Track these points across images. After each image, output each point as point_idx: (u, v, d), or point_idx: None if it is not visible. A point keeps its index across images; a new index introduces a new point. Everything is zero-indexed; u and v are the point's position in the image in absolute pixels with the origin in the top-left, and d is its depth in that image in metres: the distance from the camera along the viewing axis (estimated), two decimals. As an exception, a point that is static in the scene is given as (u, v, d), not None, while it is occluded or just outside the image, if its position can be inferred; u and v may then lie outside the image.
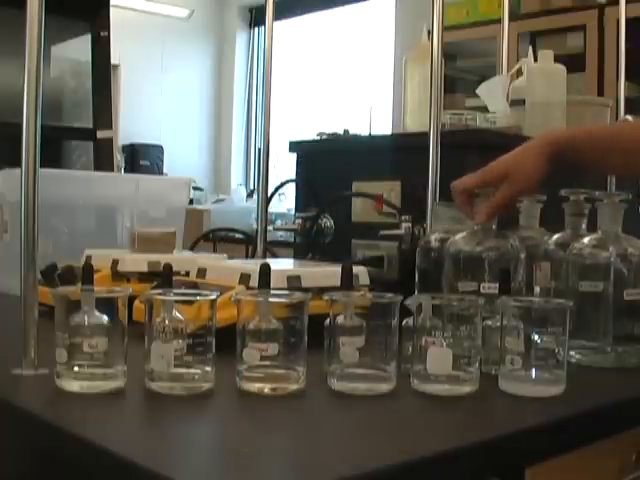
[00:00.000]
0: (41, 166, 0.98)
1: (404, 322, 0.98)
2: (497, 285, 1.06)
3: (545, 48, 1.93)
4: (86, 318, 0.90)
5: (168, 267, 1.10)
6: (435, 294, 1.01)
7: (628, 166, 1.18)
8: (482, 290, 1.08)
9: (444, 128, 1.50)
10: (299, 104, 5.79)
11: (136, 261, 1.38)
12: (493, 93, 1.86)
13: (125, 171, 5.23)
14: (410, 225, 1.47)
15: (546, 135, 1.16)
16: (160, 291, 0.96)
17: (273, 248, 1.98)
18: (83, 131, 3.75)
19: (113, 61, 3.90)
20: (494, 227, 1.14)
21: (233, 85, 6.28)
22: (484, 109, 1.83)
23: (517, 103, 1.80)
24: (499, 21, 2.29)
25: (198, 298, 0.95)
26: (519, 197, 1.19)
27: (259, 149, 1.81)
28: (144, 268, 1.36)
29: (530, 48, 1.92)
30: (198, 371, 0.90)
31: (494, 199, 1.13)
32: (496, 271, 1.08)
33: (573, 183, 1.24)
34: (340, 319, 0.93)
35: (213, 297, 0.93)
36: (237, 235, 2.97)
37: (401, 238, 1.47)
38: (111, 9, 3.77)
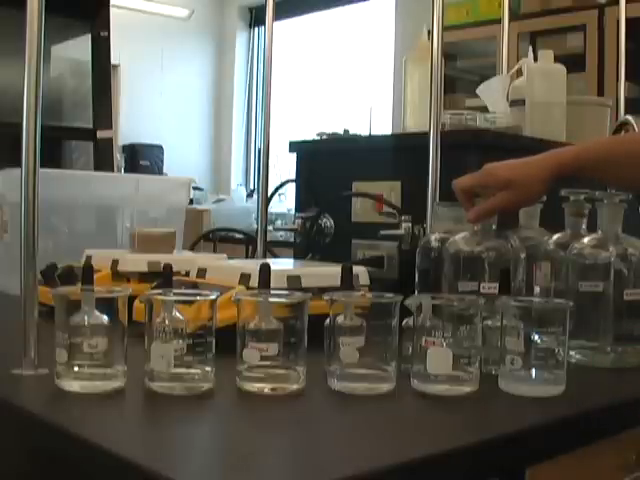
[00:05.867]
0: (41, 166, 0.98)
1: (404, 322, 0.98)
2: (497, 285, 1.06)
3: (545, 48, 1.93)
4: (86, 318, 0.90)
5: (168, 267, 1.10)
6: (435, 294, 1.01)
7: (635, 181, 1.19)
8: (482, 290, 1.08)
9: (444, 128, 1.50)
10: (299, 104, 5.79)
11: (136, 261, 1.38)
12: (493, 93, 1.86)
13: (125, 171, 5.23)
14: (410, 225, 1.47)
15: (555, 154, 1.16)
16: (160, 291, 0.96)
17: (273, 248, 1.98)
18: (83, 131, 3.75)
19: (113, 61, 3.90)
20: (494, 227, 1.15)
21: (233, 85, 6.28)
22: (484, 109, 1.83)
23: (517, 103, 1.80)
24: (499, 21, 2.29)
25: (198, 298, 0.95)
26: (516, 208, 1.20)
27: (259, 149, 1.81)
28: (144, 268, 1.36)
29: (530, 48, 1.91)
30: (198, 371, 0.90)
31: (490, 204, 1.13)
32: (496, 271, 1.08)
33: (573, 183, 1.24)
34: (340, 319, 0.93)
35: (213, 297, 0.93)
36: (237, 235, 2.98)
37: (401, 238, 1.47)
38: (111, 9, 3.77)
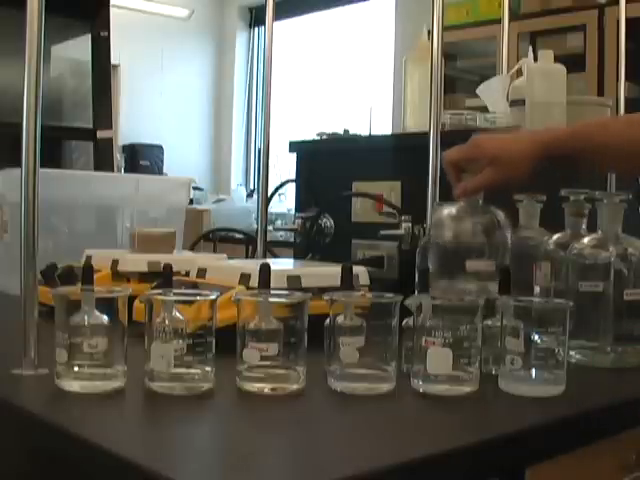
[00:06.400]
0: (41, 166, 0.98)
1: (404, 322, 0.98)
2: (486, 263, 1.05)
3: (545, 48, 1.92)
4: (86, 318, 0.90)
5: (168, 267, 1.10)
6: (435, 294, 1.01)
7: (627, 167, 1.17)
8: (468, 269, 1.07)
9: (444, 128, 1.50)
10: (299, 104, 5.79)
11: (136, 261, 1.38)
12: (493, 93, 1.86)
13: (125, 171, 5.23)
14: (410, 225, 1.47)
15: (549, 130, 1.14)
16: (160, 291, 0.96)
17: (273, 248, 1.98)
18: (83, 131, 3.75)
19: (113, 61, 3.90)
20: (480, 202, 1.14)
21: (233, 85, 6.28)
22: (484, 109, 1.83)
23: (517, 103, 1.80)
24: (499, 21, 2.29)
25: (198, 298, 0.95)
26: (503, 184, 1.17)
27: (259, 149, 1.81)
28: (144, 268, 1.36)
29: (530, 48, 1.91)
30: (198, 371, 0.90)
31: (477, 181, 1.11)
32: (482, 247, 1.07)
33: (573, 183, 1.24)
34: (340, 319, 0.93)
35: (213, 297, 0.93)
36: (237, 235, 2.98)
37: (401, 238, 1.47)
38: (111, 9, 3.77)
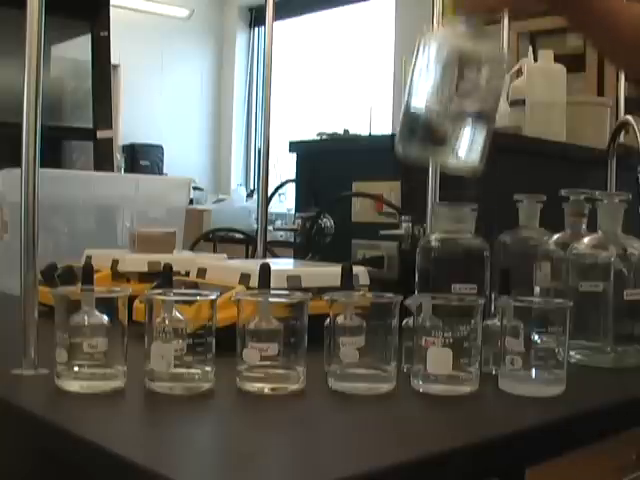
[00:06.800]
0: (41, 166, 0.98)
1: (404, 322, 0.98)
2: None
3: (545, 48, 1.93)
4: (86, 318, 0.90)
5: (168, 267, 1.10)
6: (435, 294, 1.01)
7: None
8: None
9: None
10: (299, 104, 5.79)
11: (136, 261, 1.38)
12: (493, 93, 1.86)
13: (125, 171, 5.23)
14: (410, 225, 1.47)
15: None
16: (160, 291, 0.96)
17: (273, 248, 1.98)
18: (83, 131, 3.75)
19: (113, 61, 3.91)
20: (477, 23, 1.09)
21: (233, 85, 6.29)
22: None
23: (517, 103, 1.80)
24: (499, 21, 2.29)
25: (198, 298, 0.95)
26: (507, 7, 1.11)
27: (259, 149, 1.81)
28: (144, 268, 1.36)
29: (530, 48, 1.91)
30: (198, 371, 0.90)
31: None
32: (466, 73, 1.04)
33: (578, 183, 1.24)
34: (340, 319, 0.93)
35: (213, 297, 0.93)
36: (237, 235, 2.97)
37: (401, 238, 1.47)
38: (111, 9, 3.78)
